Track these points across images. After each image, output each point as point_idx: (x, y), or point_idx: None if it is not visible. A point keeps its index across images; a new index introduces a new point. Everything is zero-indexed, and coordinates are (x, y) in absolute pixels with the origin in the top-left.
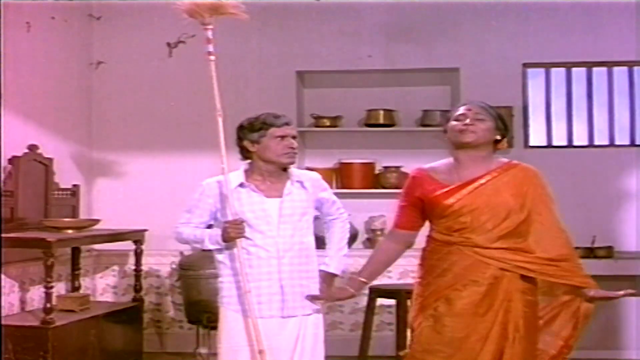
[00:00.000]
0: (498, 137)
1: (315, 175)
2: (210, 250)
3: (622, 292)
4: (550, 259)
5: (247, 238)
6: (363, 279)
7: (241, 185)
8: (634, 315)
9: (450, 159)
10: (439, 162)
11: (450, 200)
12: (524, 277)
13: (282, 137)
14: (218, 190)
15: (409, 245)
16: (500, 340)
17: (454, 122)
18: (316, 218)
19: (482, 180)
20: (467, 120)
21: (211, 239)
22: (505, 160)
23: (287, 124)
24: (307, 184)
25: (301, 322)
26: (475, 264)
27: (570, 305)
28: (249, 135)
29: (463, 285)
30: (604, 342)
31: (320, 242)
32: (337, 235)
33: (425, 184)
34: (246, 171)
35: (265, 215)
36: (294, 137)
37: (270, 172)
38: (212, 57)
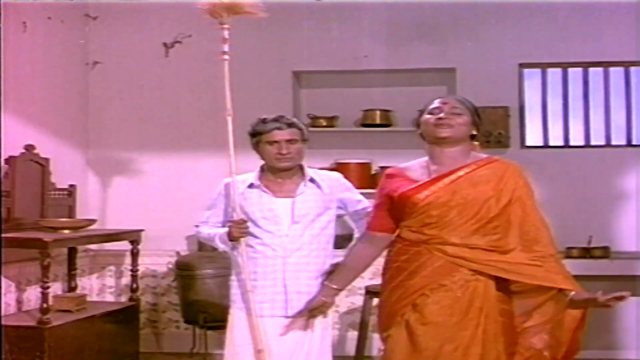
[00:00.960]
0: (474, 132)
1: (335, 175)
2: (223, 249)
3: (611, 296)
4: (531, 258)
5: (255, 236)
6: (335, 287)
7: (250, 186)
8: (634, 315)
9: (425, 158)
10: (414, 161)
11: (422, 195)
12: (499, 283)
13: (274, 142)
14: (229, 190)
15: (385, 249)
16: (485, 350)
17: (427, 116)
18: (338, 217)
19: (460, 173)
20: (442, 115)
21: (221, 239)
22: (484, 155)
23: (277, 128)
24: (323, 184)
25: (308, 323)
26: (445, 266)
27: (546, 312)
28: (251, 140)
29: (431, 290)
30: (603, 342)
31: (340, 241)
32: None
33: (394, 182)
34: (261, 172)
35: (273, 216)
36: (288, 141)
37: (279, 174)
38: (227, 57)
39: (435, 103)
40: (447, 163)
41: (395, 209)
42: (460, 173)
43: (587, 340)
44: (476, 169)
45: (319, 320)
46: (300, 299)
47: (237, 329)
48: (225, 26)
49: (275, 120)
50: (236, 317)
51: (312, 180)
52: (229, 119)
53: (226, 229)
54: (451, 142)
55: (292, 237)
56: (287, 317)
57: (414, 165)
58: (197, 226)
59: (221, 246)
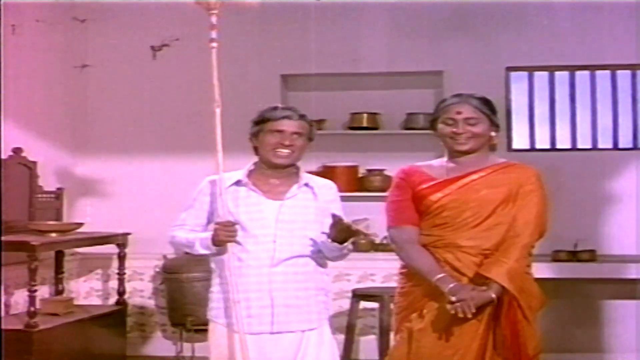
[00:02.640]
0: (493, 134)
1: (329, 183)
2: (203, 256)
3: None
4: (485, 248)
5: (238, 243)
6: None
7: (237, 183)
8: (633, 317)
9: (444, 159)
10: (432, 161)
11: (435, 197)
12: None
13: (278, 131)
14: (213, 188)
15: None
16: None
17: (442, 125)
18: None
19: (474, 177)
20: (457, 129)
21: (202, 243)
22: (502, 160)
23: (287, 117)
24: (317, 190)
25: (301, 338)
26: (450, 272)
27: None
28: (251, 129)
29: (435, 298)
30: (602, 345)
31: None
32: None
33: (415, 177)
34: (250, 170)
35: (261, 218)
36: (295, 133)
37: (272, 172)
38: (214, 45)
39: (450, 112)
40: (464, 164)
41: (414, 203)
42: (474, 177)
43: (586, 342)
44: (491, 173)
45: (314, 335)
46: (288, 313)
47: (221, 347)
48: (214, 11)
49: (287, 109)
50: (219, 334)
51: (306, 184)
52: (218, 110)
53: (209, 233)
54: (473, 149)
55: (281, 245)
56: (273, 333)
57: (433, 164)
58: (171, 230)
59: (202, 251)
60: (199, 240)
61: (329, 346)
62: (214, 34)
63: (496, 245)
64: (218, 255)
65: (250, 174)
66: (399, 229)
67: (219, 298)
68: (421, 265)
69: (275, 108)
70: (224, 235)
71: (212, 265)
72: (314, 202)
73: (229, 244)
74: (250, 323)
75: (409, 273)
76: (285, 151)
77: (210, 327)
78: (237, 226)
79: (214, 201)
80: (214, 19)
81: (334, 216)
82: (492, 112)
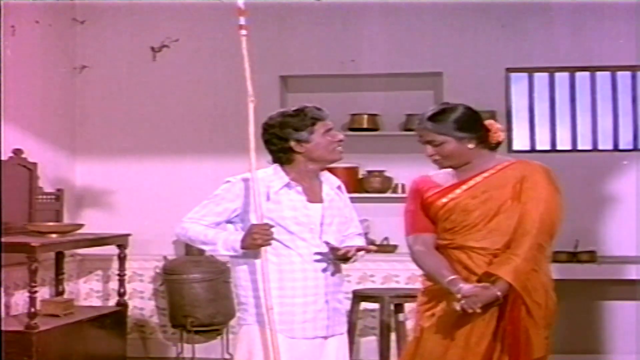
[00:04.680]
0: (471, 145)
1: (337, 180)
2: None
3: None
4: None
5: (286, 245)
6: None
7: (288, 185)
8: (633, 319)
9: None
10: (441, 170)
11: (440, 202)
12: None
13: (330, 130)
14: (244, 190)
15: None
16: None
17: None
18: None
19: (478, 178)
20: (427, 152)
21: (226, 244)
22: (507, 159)
23: (327, 115)
24: (339, 190)
25: (339, 341)
26: (462, 273)
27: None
28: (295, 134)
29: (447, 297)
30: (602, 346)
31: None
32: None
33: (423, 185)
34: (287, 172)
35: (308, 222)
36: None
37: (311, 175)
38: (244, 32)
39: (418, 136)
40: (467, 170)
41: (425, 210)
42: (478, 179)
43: (586, 344)
44: (494, 173)
45: (344, 339)
46: (334, 316)
47: (262, 351)
48: None
49: (316, 108)
50: (261, 337)
51: (337, 184)
52: (251, 105)
53: (236, 234)
54: (457, 166)
55: (325, 248)
56: (327, 337)
57: (440, 173)
58: (183, 223)
59: (223, 252)
60: (222, 242)
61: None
62: (242, 20)
63: (506, 245)
64: (245, 258)
65: (291, 177)
66: (413, 237)
67: (258, 303)
68: (433, 269)
69: (318, 107)
70: (261, 239)
71: (241, 267)
72: (340, 202)
73: (263, 248)
74: (305, 328)
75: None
76: (340, 149)
77: (247, 332)
78: (273, 229)
79: (242, 204)
80: (240, 3)
81: (327, 244)
82: (457, 127)
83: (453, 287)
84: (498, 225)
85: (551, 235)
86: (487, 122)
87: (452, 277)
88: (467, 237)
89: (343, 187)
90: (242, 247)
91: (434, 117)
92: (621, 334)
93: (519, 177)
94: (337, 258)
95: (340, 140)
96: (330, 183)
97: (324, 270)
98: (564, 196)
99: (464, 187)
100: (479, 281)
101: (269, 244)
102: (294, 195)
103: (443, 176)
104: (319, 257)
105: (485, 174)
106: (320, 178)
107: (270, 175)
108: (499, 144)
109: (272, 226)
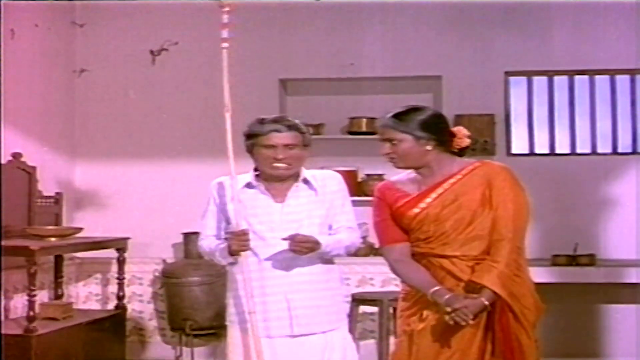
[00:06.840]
0: (428, 148)
1: (332, 174)
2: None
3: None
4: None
5: (253, 251)
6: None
7: (248, 185)
8: (633, 322)
9: (412, 171)
10: (402, 174)
11: (412, 212)
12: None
13: (270, 146)
14: (223, 191)
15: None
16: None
17: None
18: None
19: (446, 185)
20: (382, 150)
21: (221, 254)
22: (471, 161)
23: (275, 131)
24: (317, 184)
25: (325, 339)
26: (445, 279)
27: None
28: (247, 141)
29: (434, 302)
30: (602, 350)
31: None
32: (344, 236)
33: (390, 194)
34: (257, 174)
35: (269, 221)
36: (287, 145)
37: (273, 181)
38: (226, 45)
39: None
40: (430, 176)
41: (395, 220)
42: (446, 185)
43: (585, 347)
44: (461, 179)
45: (338, 336)
46: (307, 315)
47: (237, 352)
48: (226, 9)
49: (275, 121)
50: (236, 339)
51: (305, 180)
52: (227, 115)
53: (226, 243)
54: (411, 167)
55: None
56: (295, 336)
57: (403, 179)
58: (199, 240)
59: (224, 262)
60: (218, 252)
61: (352, 348)
62: (225, 33)
63: (486, 251)
64: (235, 264)
65: (257, 177)
66: (387, 248)
67: (237, 303)
68: (415, 281)
69: (263, 121)
70: (236, 245)
71: (231, 270)
72: (315, 197)
73: (242, 253)
74: (268, 327)
75: None
76: (281, 165)
77: (229, 332)
78: (249, 234)
79: (223, 204)
80: (225, 17)
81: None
82: (419, 127)
83: (439, 298)
84: (474, 232)
85: (524, 235)
86: (455, 128)
87: (436, 288)
88: (444, 246)
89: (337, 179)
90: (229, 254)
91: (398, 116)
92: (621, 337)
93: (485, 182)
94: (291, 249)
95: (277, 159)
96: (316, 180)
97: (286, 269)
98: (563, 199)
99: (433, 195)
100: (465, 288)
101: (246, 249)
102: (257, 194)
103: (407, 181)
104: (279, 256)
105: (452, 180)
106: (303, 175)
107: (243, 177)
108: (463, 149)
109: (247, 232)
